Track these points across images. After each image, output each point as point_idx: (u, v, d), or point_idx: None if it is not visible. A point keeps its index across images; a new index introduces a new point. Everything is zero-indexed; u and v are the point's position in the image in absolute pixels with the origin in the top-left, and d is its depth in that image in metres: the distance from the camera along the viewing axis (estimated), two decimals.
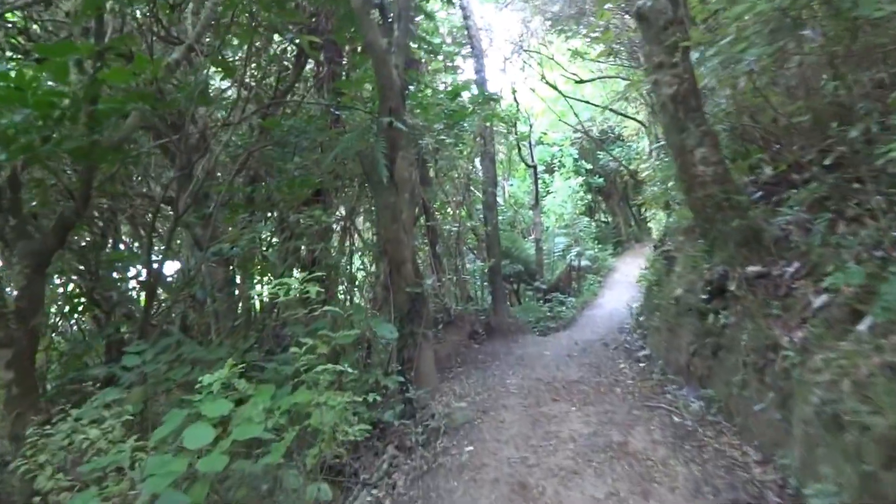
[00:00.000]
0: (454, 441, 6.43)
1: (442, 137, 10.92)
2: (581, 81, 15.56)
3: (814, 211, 6.02)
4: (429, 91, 10.38)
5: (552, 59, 17.62)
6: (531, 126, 21.56)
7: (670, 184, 11.83)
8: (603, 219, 32.33)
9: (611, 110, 18.07)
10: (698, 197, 6.72)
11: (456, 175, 13.66)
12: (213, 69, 8.25)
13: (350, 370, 5.00)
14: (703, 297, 6.60)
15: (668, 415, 6.32)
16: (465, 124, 11.21)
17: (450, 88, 9.68)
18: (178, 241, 9.86)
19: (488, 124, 13.17)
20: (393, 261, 7.74)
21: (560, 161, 27.84)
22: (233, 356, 6.67)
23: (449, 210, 14.35)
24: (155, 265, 7.79)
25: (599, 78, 15.59)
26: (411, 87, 9.30)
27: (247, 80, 9.13)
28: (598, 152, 28.98)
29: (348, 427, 4.73)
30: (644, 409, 6.59)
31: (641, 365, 8.48)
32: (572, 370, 8.74)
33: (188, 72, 8.03)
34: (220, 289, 8.46)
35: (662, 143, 12.15)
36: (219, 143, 8.29)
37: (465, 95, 11.33)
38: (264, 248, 9.47)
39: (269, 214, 9.34)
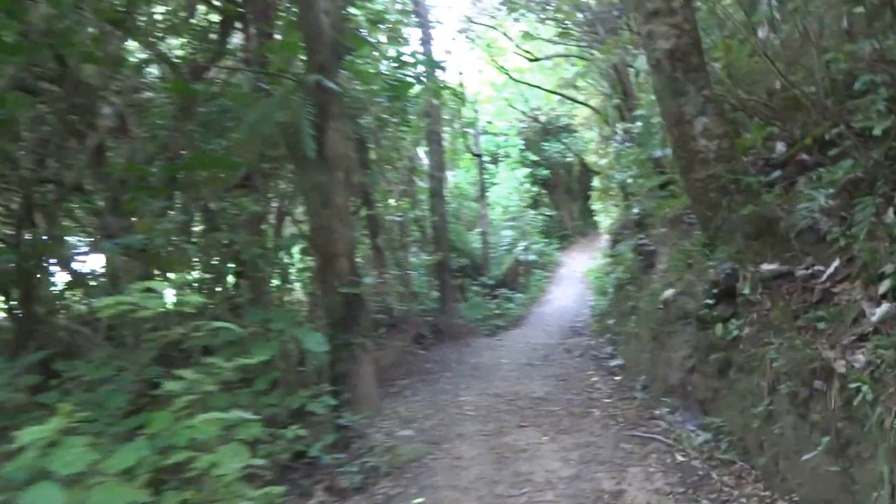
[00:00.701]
0: (399, 486, 4.97)
1: (384, 116, 9.44)
2: (535, 59, 14.24)
3: (845, 196, 4.79)
4: (369, 61, 8.81)
5: (506, 35, 16.18)
6: (477, 112, 20.12)
7: (634, 170, 10.64)
8: (546, 212, 31.14)
9: (562, 95, 16.81)
10: (699, 178, 5.42)
11: (398, 159, 12.11)
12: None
13: (251, 417, 3.52)
14: (707, 301, 5.27)
15: (667, 451, 4.99)
16: (410, 104, 9.77)
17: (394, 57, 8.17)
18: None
19: (436, 101, 11.70)
20: (324, 254, 6.25)
21: (505, 151, 26.53)
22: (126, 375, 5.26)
23: (392, 199, 12.82)
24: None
25: (554, 56, 14.28)
26: (351, 55, 7.76)
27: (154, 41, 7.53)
28: (543, 143, 27.81)
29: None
30: (634, 442, 5.25)
31: (617, 378, 7.18)
32: (536, 383, 7.39)
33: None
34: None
35: (624, 126, 10.94)
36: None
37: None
38: (186, 240, 7.85)
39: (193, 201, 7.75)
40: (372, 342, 6.72)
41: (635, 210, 11.08)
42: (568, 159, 27.36)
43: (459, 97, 9.85)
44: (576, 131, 24.71)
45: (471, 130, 20.10)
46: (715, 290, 5.20)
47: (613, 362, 7.78)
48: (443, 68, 8.18)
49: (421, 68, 8.74)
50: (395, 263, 11.24)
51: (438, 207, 12.35)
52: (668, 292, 6.20)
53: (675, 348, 5.96)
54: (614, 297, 9.08)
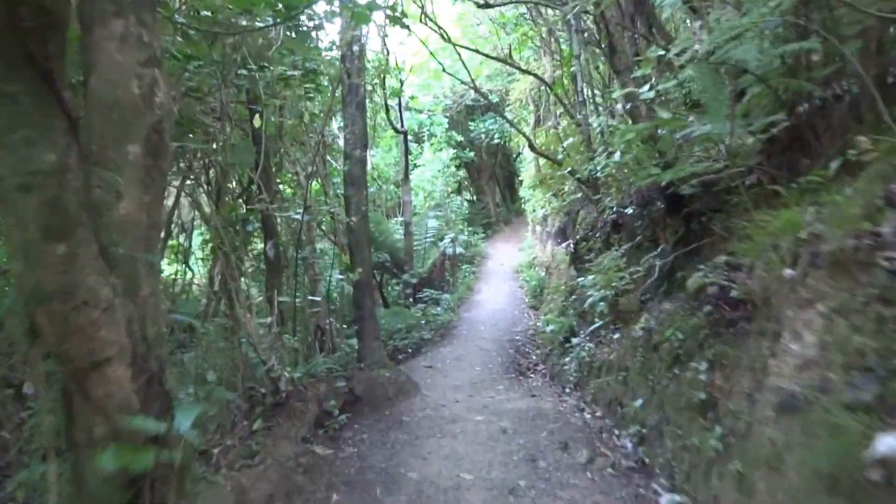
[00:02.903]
0: None
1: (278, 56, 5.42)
2: (486, 6, 10.38)
3: None
4: None
5: None
6: (402, 82, 16.11)
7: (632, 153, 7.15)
8: (468, 197, 27.43)
9: (507, 63, 13.10)
10: None
11: (301, 130, 7.93)
12: None
13: None
14: None
15: None
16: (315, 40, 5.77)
17: None
18: None
19: (359, 33, 7.62)
20: (67, 363, 2.25)
21: (430, 130, 22.60)
22: None
23: (298, 187, 8.68)
24: None
25: (510, 2, 10.46)
26: None
27: None
28: (471, 122, 24.07)
29: None
30: None
31: None
32: None
33: None
34: None
35: (626, 92, 7.25)
36: None
37: None
38: None
39: None
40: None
41: (629, 209, 7.56)
42: (495, 141, 23.63)
43: (395, 23, 5.85)
44: (504, 109, 20.90)
45: (394, 103, 16.10)
46: None
47: (666, 499, 4.14)
48: None
49: None
50: (291, 286, 7.24)
51: (358, 202, 8.19)
52: (888, 443, 2.56)
53: None
54: (639, 363, 5.34)
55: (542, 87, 15.55)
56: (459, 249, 18.20)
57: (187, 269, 11.82)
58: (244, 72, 5.85)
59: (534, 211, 19.06)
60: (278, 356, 5.16)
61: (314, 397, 5.54)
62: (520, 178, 22.26)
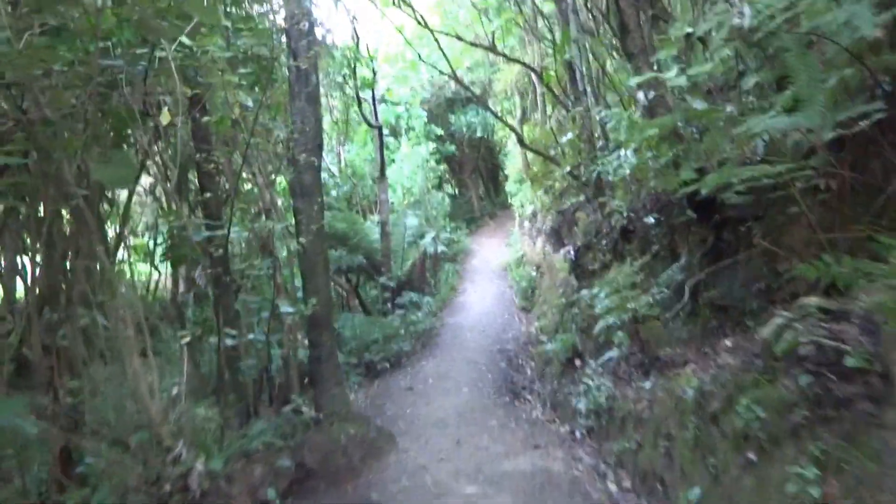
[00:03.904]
0: None
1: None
2: None
3: None
4: None
5: None
6: (375, 73, 14.46)
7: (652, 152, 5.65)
8: (449, 192, 25.77)
9: (492, 51, 11.47)
10: None
11: (238, 127, 6.15)
12: None
13: None
14: None
15: None
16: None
17: None
18: None
19: (308, 2, 5.88)
20: None
21: (407, 123, 20.89)
22: None
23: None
24: None
25: None
26: None
27: None
28: (451, 114, 22.42)
29: None
30: None
31: None
32: None
33: None
34: None
35: (642, 79, 5.66)
36: None
37: None
38: None
39: None
40: None
41: (650, 217, 6.05)
42: (478, 135, 22.04)
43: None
44: (487, 101, 19.28)
45: (366, 95, 14.45)
46: None
47: None
48: None
49: None
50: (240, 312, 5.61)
51: (309, 218, 6.25)
52: None
53: None
54: (690, 435, 3.72)
55: (529, 79, 14.04)
56: (441, 247, 16.63)
57: (154, 270, 10.44)
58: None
59: (521, 206, 17.56)
60: (189, 439, 3.57)
61: (245, 490, 3.95)
62: (505, 172, 20.71)
